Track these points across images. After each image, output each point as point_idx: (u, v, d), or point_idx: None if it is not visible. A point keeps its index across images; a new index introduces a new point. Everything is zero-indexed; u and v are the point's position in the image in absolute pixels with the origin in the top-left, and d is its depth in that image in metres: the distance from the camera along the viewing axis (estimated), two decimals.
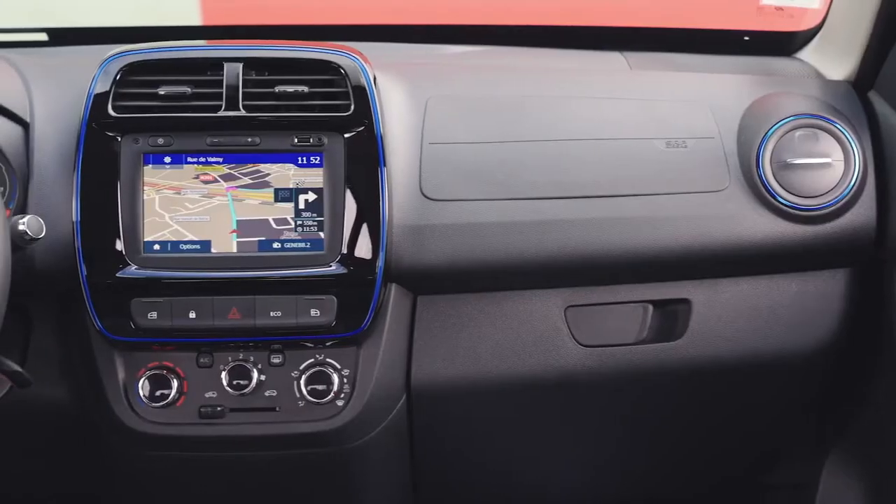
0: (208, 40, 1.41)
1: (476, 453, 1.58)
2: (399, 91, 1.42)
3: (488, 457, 1.60)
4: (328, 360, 1.36)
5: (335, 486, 1.49)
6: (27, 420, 1.41)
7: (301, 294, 1.31)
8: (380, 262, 1.31)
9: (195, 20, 1.88)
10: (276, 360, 1.35)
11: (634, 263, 1.39)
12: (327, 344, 1.35)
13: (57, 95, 1.39)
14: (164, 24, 1.77)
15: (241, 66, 1.34)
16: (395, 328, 1.38)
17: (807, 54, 1.65)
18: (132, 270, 1.29)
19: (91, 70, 1.39)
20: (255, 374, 1.34)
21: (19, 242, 1.19)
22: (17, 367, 1.26)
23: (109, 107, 1.32)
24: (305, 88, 1.34)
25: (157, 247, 1.31)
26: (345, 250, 1.31)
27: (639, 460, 1.65)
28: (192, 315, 1.30)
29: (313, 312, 1.31)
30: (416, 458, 1.54)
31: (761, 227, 1.39)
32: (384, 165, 1.33)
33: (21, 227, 1.19)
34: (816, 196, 1.39)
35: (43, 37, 1.77)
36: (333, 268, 1.31)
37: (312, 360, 1.35)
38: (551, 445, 1.59)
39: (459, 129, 1.41)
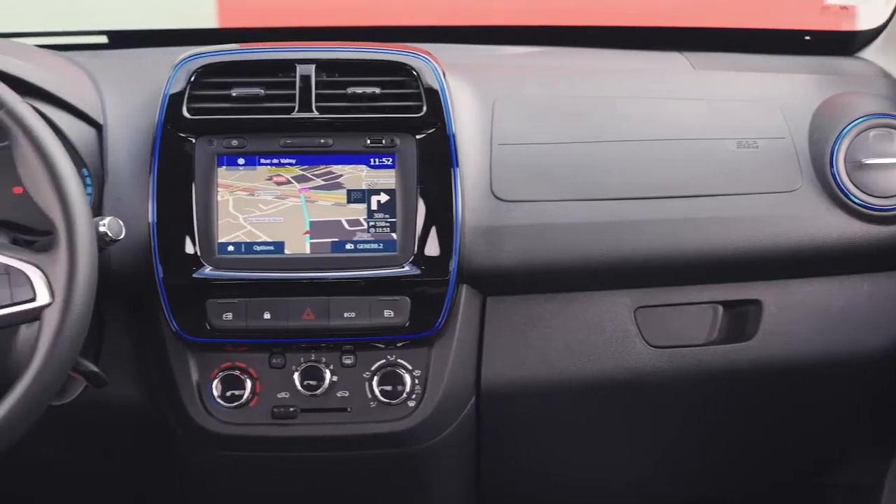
0: (278, 42, 1.40)
1: (541, 454, 1.58)
2: (466, 92, 1.42)
3: (552, 457, 1.60)
4: (399, 360, 1.35)
5: (402, 487, 1.50)
6: (99, 420, 1.42)
7: (374, 295, 1.31)
8: (453, 263, 1.31)
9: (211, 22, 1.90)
10: (347, 360, 1.35)
11: (706, 264, 1.39)
12: (398, 345, 1.35)
13: (127, 97, 1.40)
14: (230, 26, 1.78)
15: (313, 67, 1.34)
16: (466, 329, 1.38)
17: (870, 53, 1.64)
18: (207, 271, 1.30)
19: (159, 72, 1.40)
20: (327, 375, 1.34)
21: (100, 244, 1.20)
22: (94, 368, 1.27)
23: (184, 108, 1.33)
24: (377, 90, 1.34)
25: (231, 248, 1.31)
26: (418, 251, 1.31)
27: (703, 461, 1.64)
28: (267, 316, 1.30)
29: (387, 313, 1.31)
30: (481, 459, 1.53)
31: (835, 227, 1.39)
32: (457, 166, 1.33)
33: (102, 229, 1.19)
34: (891, 196, 1.39)
35: (103, 39, 1.78)
36: (407, 269, 1.31)
37: (384, 360, 1.35)
38: (616, 447, 1.59)
39: (528, 130, 1.41)
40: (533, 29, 1.74)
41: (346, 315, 1.31)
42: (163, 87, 1.37)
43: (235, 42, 1.44)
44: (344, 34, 1.65)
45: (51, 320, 1.08)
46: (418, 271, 1.31)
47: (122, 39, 1.78)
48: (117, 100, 1.39)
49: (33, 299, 1.09)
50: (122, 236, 1.21)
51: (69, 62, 1.44)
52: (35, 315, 1.09)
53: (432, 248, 1.31)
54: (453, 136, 1.33)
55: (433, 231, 1.31)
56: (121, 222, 1.21)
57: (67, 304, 1.08)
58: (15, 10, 1.93)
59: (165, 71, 1.40)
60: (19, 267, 1.10)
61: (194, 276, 1.30)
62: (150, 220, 1.30)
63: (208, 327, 1.30)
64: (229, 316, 1.30)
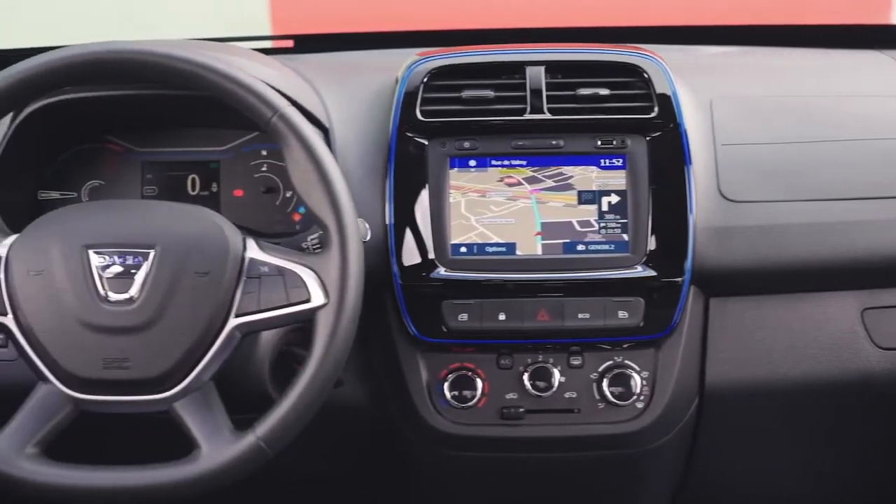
0: (504, 44, 1.41)
1: (753, 455, 1.56)
2: (683, 91, 1.41)
3: (764, 460, 1.58)
4: (626, 361, 1.35)
5: (617, 488, 1.49)
6: (326, 420, 1.42)
7: (606, 296, 1.31)
8: (688, 264, 1.30)
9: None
10: (575, 361, 1.35)
11: None
12: (624, 346, 1.35)
13: (347, 100, 1.41)
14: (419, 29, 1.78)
15: (542, 69, 1.34)
16: (693, 330, 1.37)
17: None
18: (442, 273, 1.31)
19: (370, 75, 1.42)
20: (556, 376, 1.34)
21: None
22: None
23: (417, 111, 1.33)
24: (606, 91, 1.34)
25: (463, 249, 1.32)
26: (650, 252, 1.30)
27: None
28: (502, 317, 1.31)
29: (621, 314, 1.30)
30: (692, 461, 1.52)
31: None
32: (690, 165, 1.32)
33: None
34: None
35: (289, 44, 1.81)
36: (640, 269, 1.30)
37: (611, 361, 1.35)
38: (833, 452, 1.56)
39: (751, 130, 1.39)
40: (726, 28, 1.73)
41: (580, 316, 1.31)
42: (382, 90, 1.38)
43: (417, 46, 1.45)
44: (559, 35, 1.65)
45: (326, 321, 1.09)
46: (653, 272, 1.30)
47: (308, 43, 1.80)
48: (337, 103, 1.40)
49: (308, 300, 1.10)
50: (367, 238, 1.22)
51: (289, 67, 1.45)
52: (309, 316, 1.10)
53: (666, 249, 1.30)
54: (686, 136, 1.33)
55: (667, 232, 1.31)
56: (366, 224, 1.22)
57: (341, 304, 1.09)
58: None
59: (377, 74, 1.42)
60: (293, 269, 1.12)
61: (430, 277, 1.30)
62: (387, 222, 1.31)
63: (444, 329, 1.31)
64: (465, 317, 1.31)
